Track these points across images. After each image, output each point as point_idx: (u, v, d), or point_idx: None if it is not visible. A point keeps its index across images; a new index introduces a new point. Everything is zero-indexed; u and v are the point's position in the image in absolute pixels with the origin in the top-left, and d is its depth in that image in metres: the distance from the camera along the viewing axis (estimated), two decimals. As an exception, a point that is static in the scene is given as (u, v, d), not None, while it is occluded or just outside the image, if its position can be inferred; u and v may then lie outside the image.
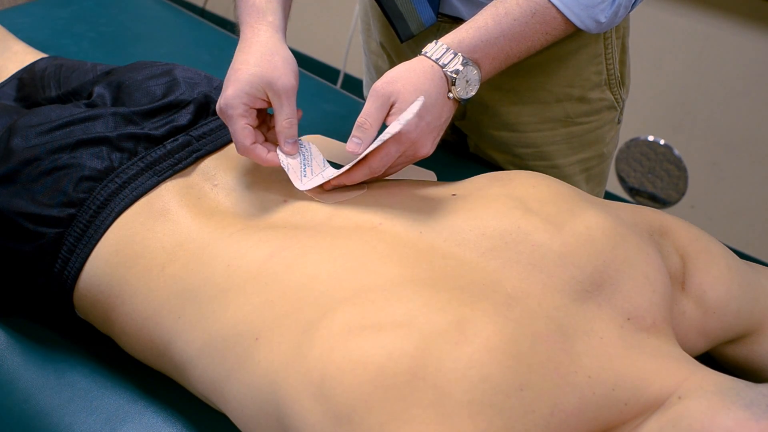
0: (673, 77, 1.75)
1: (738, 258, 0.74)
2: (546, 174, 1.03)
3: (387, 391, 0.53)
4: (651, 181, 1.93)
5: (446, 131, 1.12)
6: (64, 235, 0.75)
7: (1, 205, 0.76)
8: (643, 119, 1.86)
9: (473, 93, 0.78)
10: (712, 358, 0.77)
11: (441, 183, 0.78)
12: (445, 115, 0.77)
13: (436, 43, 0.77)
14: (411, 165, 1.00)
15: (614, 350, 0.60)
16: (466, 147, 1.14)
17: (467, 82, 0.77)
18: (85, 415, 0.73)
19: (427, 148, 0.76)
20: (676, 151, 1.85)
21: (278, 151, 0.76)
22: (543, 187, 0.70)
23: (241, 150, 0.75)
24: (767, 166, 1.72)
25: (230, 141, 0.85)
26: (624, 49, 1.01)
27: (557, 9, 0.79)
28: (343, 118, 1.19)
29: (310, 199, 0.76)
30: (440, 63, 0.75)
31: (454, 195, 0.72)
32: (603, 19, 0.82)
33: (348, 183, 0.76)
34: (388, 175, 0.79)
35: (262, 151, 0.75)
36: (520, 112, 0.99)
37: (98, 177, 0.77)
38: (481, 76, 0.78)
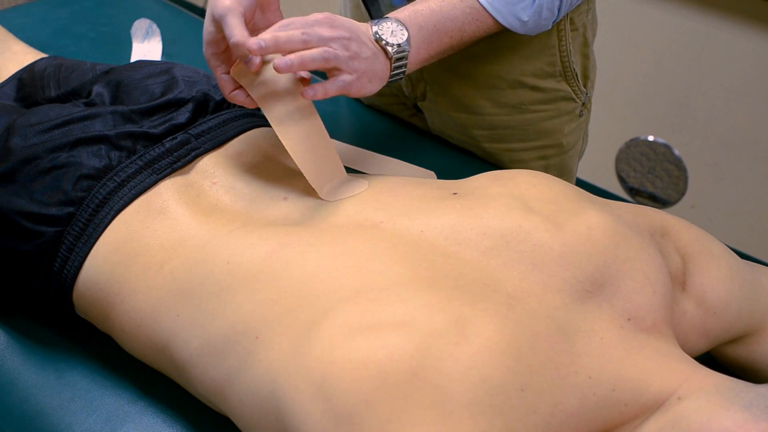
0: (673, 77, 1.75)
1: (739, 258, 0.74)
2: (502, 156, 1.05)
3: (388, 391, 0.53)
4: (651, 181, 1.93)
5: (411, 111, 1.16)
6: (63, 233, 0.75)
7: (0, 204, 0.76)
8: (643, 119, 1.86)
9: (398, 41, 0.78)
10: (713, 358, 0.77)
11: (442, 182, 0.78)
12: (361, 34, 0.76)
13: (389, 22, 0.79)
14: (411, 165, 1.01)
15: (614, 351, 0.59)
16: (427, 129, 1.16)
17: (391, 31, 0.78)
18: (85, 415, 0.73)
19: (324, 33, 0.74)
20: (676, 151, 1.84)
21: (233, 71, 0.76)
22: (544, 186, 0.70)
23: (227, 99, 0.77)
24: (767, 166, 1.72)
25: (229, 139, 0.85)
26: (586, 43, 1.02)
27: (490, 16, 0.84)
28: (343, 118, 1.19)
29: (311, 196, 0.76)
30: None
31: (454, 194, 0.72)
32: (525, 17, 0.85)
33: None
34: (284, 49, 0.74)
35: (242, 97, 0.76)
36: (476, 95, 1.02)
37: (97, 175, 0.77)
38: (408, 34, 0.79)
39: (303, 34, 0.72)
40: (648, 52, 1.76)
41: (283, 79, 0.77)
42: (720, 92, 1.70)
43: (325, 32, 0.74)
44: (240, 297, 0.64)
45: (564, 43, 0.98)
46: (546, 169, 1.08)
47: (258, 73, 0.76)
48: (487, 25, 0.85)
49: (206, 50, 0.76)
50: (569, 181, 1.13)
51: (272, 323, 0.61)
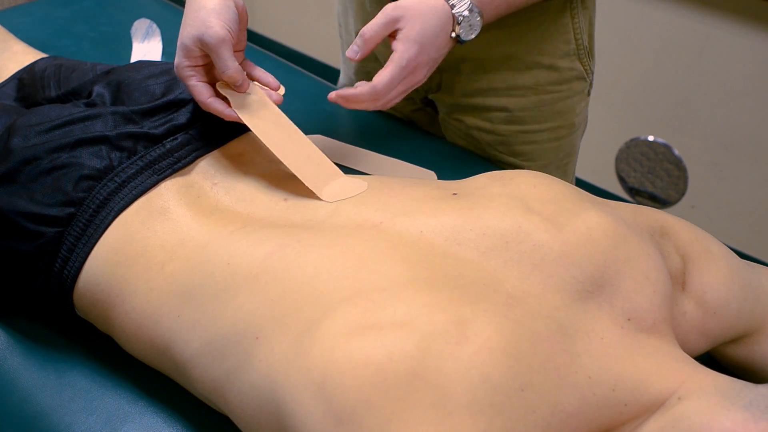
0: (673, 77, 1.76)
1: (738, 258, 0.74)
2: (515, 138, 1.05)
3: (388, 391, 0.53)
4: (651, 181, 1.93)
5: (416, 106, 1.17)
6: (63, 234, 0.75)
7: (1, 204, 0.76)
8: (643, 119, 1.86)
9: (473, 36, 0.84)
10: (713, 358, 0.77)
11: (441, 182, 0.78)
12: (443, 50, 0.84)
13: None
14: (411, 165, 1.01)
15: (614, 351, 0.59)
16: (426, 127, 1.17)
17: (470, 26, 0.83)
18: (85, 415, 0.73)
19: (421, 77, 0.83)
20: (676, 151, 1.85)
21: (219, 87, 0.80)
22: (544, 186, 0.70)
23: (201, 106, 0.79)
24: (767, 166, 1.72)
25: (230, 140, 0.85)
26: (591, 24, 1.04)
27: None
28: (343, 118, 1.19)
29: (311, 197, 0.76)
30: (450, 3, 0.81)
31: (454, 194, 0.72)
32: None
33: (353, 101, 0.81)
34: (386, 106, 0.83)
35: (219, 105, 0.79)
36: (493, 79, 1.03)
37: (98, 176, 0.77)
38: (483, 22, 0.84)
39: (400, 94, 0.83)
40: (648, 52, 1.76)
41: (263, 98, 0.81)
42: (720, 92, 1.70)
43: (420, 77, 0.83)
44: (240, 298, 0.64)
45: (577, 21, 1.00)
46: (557, 150, 1.10)
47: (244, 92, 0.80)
48: None
49: (181, 62, 0.78)
50: (574, 160, 1.14)
51: (272, 324, 0.61)
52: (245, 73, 0.80)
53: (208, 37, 0.75)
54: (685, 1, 1.65)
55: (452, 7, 0.81)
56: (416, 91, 1.12)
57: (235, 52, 0.80)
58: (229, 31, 0.76)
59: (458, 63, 1.02)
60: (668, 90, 1.78)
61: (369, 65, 1.10)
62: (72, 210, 0.75)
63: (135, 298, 0.71)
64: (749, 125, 1.69)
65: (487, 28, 0.96)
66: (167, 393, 0.74)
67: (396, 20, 0.79)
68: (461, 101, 1.07)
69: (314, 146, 0.81)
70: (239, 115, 0.79)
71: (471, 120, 1.09)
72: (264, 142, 0.78)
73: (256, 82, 0.83)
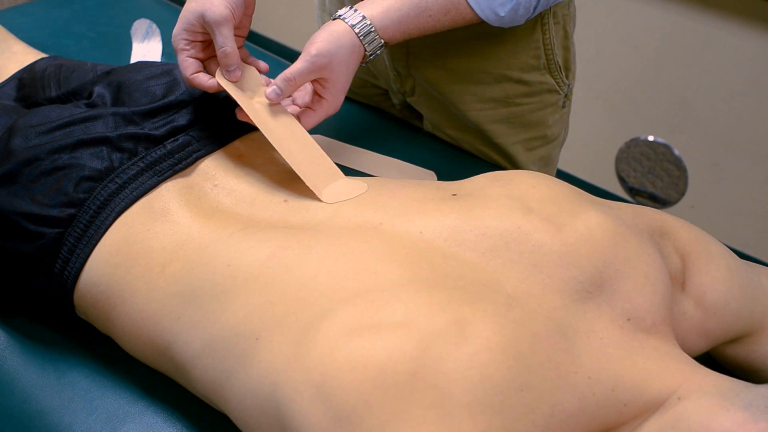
0: (673, 77, 1.75)
1: (738, 258, 0.74)
2: (490, 151, 1.07)
3: (387, 391, 0.53)
4: (651, 181, 1.93)
5: (404, 112, 1.18)
6: (64, 235, 0.75)
7: (1, 205, 0.76)
8: (643, 119, 1.86)
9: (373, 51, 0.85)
10: (712, 359, 0.77)
11: (441, 183, 0.78)
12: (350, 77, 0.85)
13: (356, 13, 0.82)
14: (411, 165, 1.01)
15: (614, 351, 0.60)
16: (420, 128, 1.17)
17: (375, 57, 0.85)
18: (85, 415, 0.73)
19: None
20: (676, 151, 1.85)
21: (219, 76, 0.80)
22: (543, 187, 0.70)
23: (185, 81, 0.81)
24: (767, 166, 1.72)
25: (230, 140, 0.85)
26: (567, 36, 1.04)
27: (468, 5, 0.85)
28: (342, 118, 1.19)
29: (311, 199, 0.76)
30: (364, 43, 0.83)
31: (454, 195, 0.72)
32: (502, 13, 0.87)
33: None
34: None
35: (202, 79, 0.80)
36: (462, 91, 1.03)
37: (98, 177, 0.77)
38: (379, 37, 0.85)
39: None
40: (648, 52, 1.76)
41: (263, 91, 0.81)
42: (720, 92, 1.70)
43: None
44: (240, 299, 0.64)
45: (548, 36, 1.00)
46: (533, 162, 1.10)
47: (242, 82, 0.81)
48: (464, 22, 0.87)
49: (179, 34, 0.80)
50: (552, 171, 1.15)
51: (272, 325, 0.61)
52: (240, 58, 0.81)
53: (210, 14, 0.77)
54: (685, 1, 1.65)
55: (365, 46, 0.82)
56: (395, 92, 1.13)
57: (235, 36, 0.80)
58: (232, 12, 0.78)
59: (430, 72, 1.04)
60: (668, 90, 1.78)
61: None
62: (73, 211, 0.75)
63: (135, 299, 0.71)
64: (749, 125, 1.69)
65: (456, 42, 0.98)
66: (167, 393, 0.75)
67: (321, 69, 0.80)
68: (437, 112, 1.09)
69: (315, 144, 0.81)
70: (245, 107, 0.79)
71: (450, 132, 1.11)
72: (268, 137, 0.78)
73: (262, 75, 0.83)
